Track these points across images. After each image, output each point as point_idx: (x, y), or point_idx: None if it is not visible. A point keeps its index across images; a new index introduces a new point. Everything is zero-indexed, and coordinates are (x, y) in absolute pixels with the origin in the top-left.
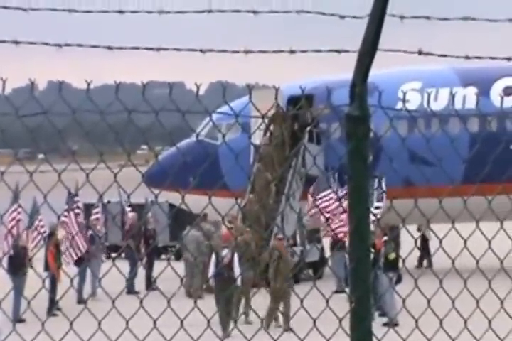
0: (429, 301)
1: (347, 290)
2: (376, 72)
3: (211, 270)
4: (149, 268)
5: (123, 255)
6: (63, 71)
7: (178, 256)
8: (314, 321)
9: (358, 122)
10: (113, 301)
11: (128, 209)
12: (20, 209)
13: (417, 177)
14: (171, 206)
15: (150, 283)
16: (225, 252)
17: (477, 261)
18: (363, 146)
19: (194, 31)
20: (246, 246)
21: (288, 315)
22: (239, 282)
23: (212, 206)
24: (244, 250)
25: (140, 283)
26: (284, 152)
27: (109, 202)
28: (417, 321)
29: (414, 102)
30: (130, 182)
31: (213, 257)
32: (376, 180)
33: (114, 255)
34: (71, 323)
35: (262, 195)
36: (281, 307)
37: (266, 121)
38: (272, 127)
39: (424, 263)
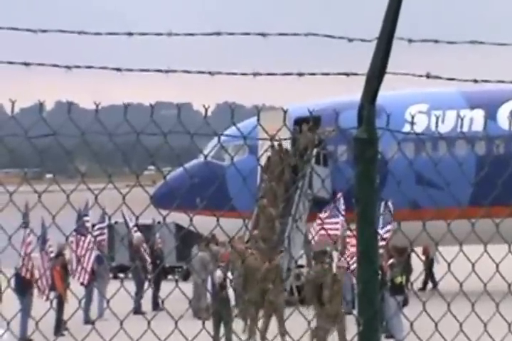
0: (436, 324)
1: (354, 312)
2: (383, 94)
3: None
4: (156, 288)
5: (130, 275)
6: (71, 91)
7: (185, 277)
8: None
9: (366, 145)
10: (121, 322)
11: (133, 229)
12: (28, 230)
13: (424, 200)
14: (178, 226)
15: (157, 304)
16: (218, 272)
17: (485, 284)
18: (371, 169)
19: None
20: (254, 269)
21: (344, 336)
22: (233, 302)
23: (221, 227)
24: (251, 273)
25: (147, 303)
26: (284, 185)
27: (116, 222)
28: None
29: (421, 124)
30: (136, 202)
31: (209, 278)
32: (382, 203)
33: (121, 275)
34: None
35: (265, 231)
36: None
37: (274, 143)
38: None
39: (429, 285)
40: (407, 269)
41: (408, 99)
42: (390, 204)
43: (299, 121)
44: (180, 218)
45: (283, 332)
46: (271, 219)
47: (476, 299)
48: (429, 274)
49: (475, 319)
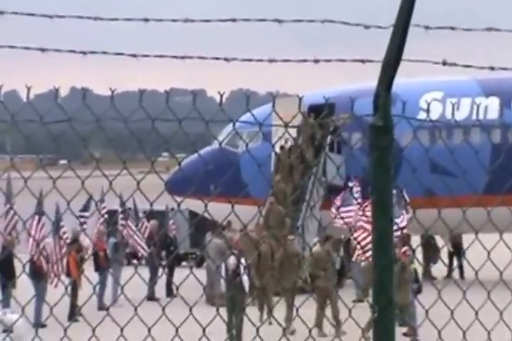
0: (452, 312)
1: (366, 299)
2: (397, 82)
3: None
4: (170, 275)
5: (143, 261)
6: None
7: (199, 263)
8: (336, 330)
9: (381, 132)
10: (135, 308)
11: (141, 215)
12: (40, 217)
13: (438, 188)
14: (191, 213)
15: (170, 290)
16: (231, 259)
17: (501, 273)
18: (387, 157)
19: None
20: (267, 255)
21: (410, 324)
22: (247, 288)
23: (235, 214)
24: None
25: (160, 289)
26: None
27: (129, 208)
28: (439, 332)
29: (435, 112)
30: (149, 188)
31: (223, 265)
32: (396, 191)
33: (134, 261)
34: (94, 329)
35: (276, 228)
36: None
37: (289, 130)
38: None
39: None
40: (431, 257)
41: (423, 87)
42: (404, 192)
43: (312, 109)
44: (193, 205)
45: (337, 318)
46: (280, 216)
47: (492, 287)
48: (452, 262)
49: (491, 307)
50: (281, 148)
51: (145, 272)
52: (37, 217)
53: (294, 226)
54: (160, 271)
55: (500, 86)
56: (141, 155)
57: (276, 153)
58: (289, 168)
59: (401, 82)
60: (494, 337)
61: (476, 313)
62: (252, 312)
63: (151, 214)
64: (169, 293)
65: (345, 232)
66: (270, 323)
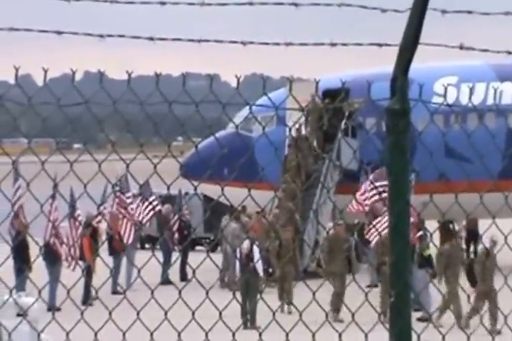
0: (469, 297)
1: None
2: (412, 66)
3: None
4: (184, 259)
5: (157, 246)
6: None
7: (213, 248)
8: (353, 315)
9: (398, 116)
10: (152, 292)
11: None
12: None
13: (453, 172)
14: (205, 197)
15: (184, 275)
16: (245, 244)
17: None
18: (403, 140)
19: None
20: (287, 241)
21: (496, 314)
22: (261, 273)
23: (252, 199)
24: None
25: (173, 274)
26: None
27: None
28: (456, 318)
29: (450, 97)
30: (162, 173)
31: (237, 250)
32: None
33: (147, 246)
34: (110, 313)
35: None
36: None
37: (304, 113)
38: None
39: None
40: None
41: (437, 72)
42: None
43: (327, 93)
44: (207, 189)
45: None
46: (294, 194)
47: (509, 272)
48: (469, 248)
49: (507, 292)
50: (298, 130)
51: (159, 256)
52: (50, 201)
53: (308, 210)
54: (174, 255)
55: None
56: (155, 139)
57: (292, 137)
58: (307, 151)
59: (414, 66)
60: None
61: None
62: (268, 298)
63: (165, 199)
64: (183, 277)
65: (359, 217)
66: (290, 313)
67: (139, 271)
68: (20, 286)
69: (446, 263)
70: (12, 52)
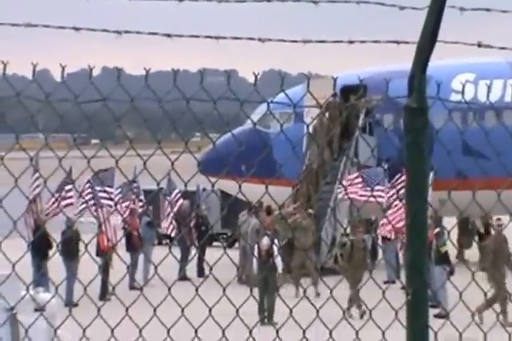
0: (485, 294)
1: (397, 281)
2: (429, 63)
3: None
4: (201, 255)
5: (174, 242)
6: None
7: (231, 244)
8: (370, 312)
9: (416, 114)
10: (169, 288)
11: (164, 195)
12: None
13: (470, 170)
14: (223, 193)
15: (202, 271)
16: (265, 240)
17: None
18: (421, 138)
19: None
20: (304, 232)
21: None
22: (280, 269)
23: (270, 195)
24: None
25: (191, 270)
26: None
27: (161, 188)
28: (473, 315)
29: (468, 94)
30: (178, 169)
31: (256, 246)
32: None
33: (164, 242)
34: (127, 309)
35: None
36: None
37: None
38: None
39: None
40: (465, 240)
41: (455, 69)
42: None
43: (344, 90)
44: (225, 185)
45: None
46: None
47: None
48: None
49: None
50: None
51: (176, 252)
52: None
53: (325, 207)
54: (191, 251)
55: None
56: (173, 135)
57: (309, 133)
58: (327, 143)
59: (432, 63)
60: None
61: (510, 295)
62: (285, 294)
63: (183, 195)
64: (200, 273)
65: (376, 212)
66: (318, 295)
67: (156, 267)
68: (38, 282)
69: (493, 258)
70: (30, 48)
